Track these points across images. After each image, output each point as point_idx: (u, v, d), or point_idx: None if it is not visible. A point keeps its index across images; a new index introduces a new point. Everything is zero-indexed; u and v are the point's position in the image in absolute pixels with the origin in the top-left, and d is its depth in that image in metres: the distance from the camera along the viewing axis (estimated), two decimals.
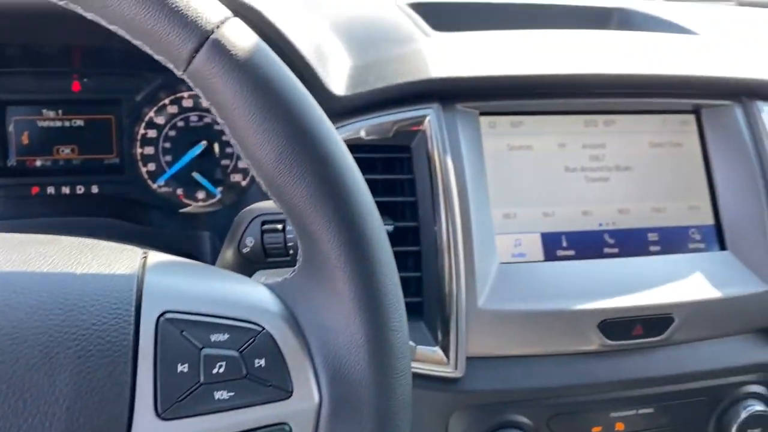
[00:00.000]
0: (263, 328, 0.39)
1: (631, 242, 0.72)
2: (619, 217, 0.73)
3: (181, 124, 0.86)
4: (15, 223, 0.78)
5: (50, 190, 0.83)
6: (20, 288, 0.37)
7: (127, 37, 0.38)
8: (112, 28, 0.38)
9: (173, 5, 0.37)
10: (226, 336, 0.38)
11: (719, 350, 0.72)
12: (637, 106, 0.75)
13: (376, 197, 0.68)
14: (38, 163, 0.84)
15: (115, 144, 0.86)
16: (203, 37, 0.37)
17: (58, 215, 0.80)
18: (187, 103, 0.86)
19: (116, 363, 0.36)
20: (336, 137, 0.40)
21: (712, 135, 0.77)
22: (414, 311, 0.68)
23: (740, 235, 0.75)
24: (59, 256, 0.40)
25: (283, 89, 0.38)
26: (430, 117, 0.69)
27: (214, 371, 0.37)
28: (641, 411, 0.71)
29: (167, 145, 0.86)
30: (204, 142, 0.85)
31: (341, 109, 0.69)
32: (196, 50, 0.37)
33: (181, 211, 0.87)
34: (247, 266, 0.54)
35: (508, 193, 0.71)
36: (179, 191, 0.87)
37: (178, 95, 0.85)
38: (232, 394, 0.37)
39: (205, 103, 0.39)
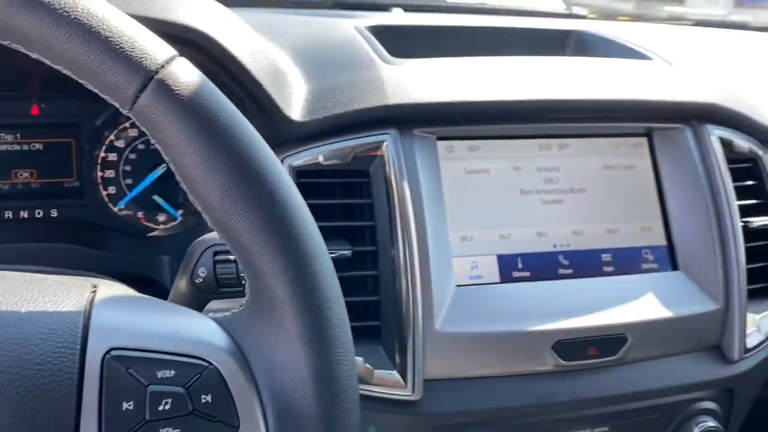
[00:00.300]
0: (210, 364, 0.39)
1: (585, 263, 0.74)
2: (573, 239, 0.75)
3: (141, 147, 0.86)
4: None
5: (8, 214, 0.83)
6: None
7: (73, 76, 0.38)
8: (56, 67, 0.38)
9: (116, 46, 0.37)
10: (173, 372, 0.38)
11: (672, 368, 0.74)
12: (590, 129, 0.77)
13: (335, 222, 0.70)
14: None
15: (75, 167, 0.85)
16: (147, 78, 0.38)
17: (16, 241, 0.79)
18: None
19: (60, 403, 0.36)
20: (281, 173, 0.40)
21: (664, 157, 0.79)
22: (372, 335, 0.69)
23: (691, 255, 0.77)
24: (4, 293, 0.40)
25: (228, 127, 0.39)
26: (388, 142, 0.70)
27: (160, 408, 0.37)
28: (597, 430, 0.72)
29: (128, 168, 0.86)
30: (164, 165, 0.85)
31: (299, 135, 0.70)
32: (140, 90, 0.38)
33: (145, 234, 0.86)
34: (200, 296, 0.54)
35: (465, 216, 0.72)
36: (140, 214, 0.86)
37: None
38: (177, 431, 0.37)
39: (152, 141, 0.40)
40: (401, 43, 0.85)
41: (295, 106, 0.69)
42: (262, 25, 0.80)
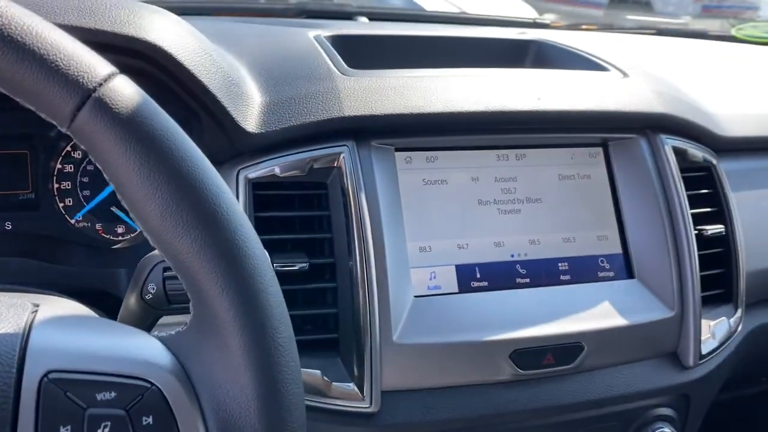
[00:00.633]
0: (152, 384, 0.39)
1: (542, 272, 0.75)
2: (530, 248, 0.75)
3: None
4: None
5: None
6: None
7: (8, 94, 0.38)
8: None
9: (52, 64, 0.37)
10: (113, 394, 0.38)
11: (629, 375, 0.75)
12: (547, 140, 0.78)
13: (292, 234, 0.70)
14: None
15: (31, 179, 0.84)
16: (85, 96, 0.37)
17: None
18: None
19: None
20: (223, 192, 0.40)
21: (619, 167, 0.80)
22: (330, 347, 0.69)
23: (647, 263, 0.78)
24: None
25: (168, 145, 0.39)
26: (345, 154, 0.70)
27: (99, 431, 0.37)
28: None
29: (85, 179, 0.85)
30: None
31: (255, 147, 0.70)
32: (78, 108, 0.37)
33: (103, 247, 0.85)
34: (151, 312, 0.54)
35: (423, 227, 0.73)
36: (98, 226, 0.85)
37: None
38: None
39: (93, 160, 0.39)
40: (361, 53, 0.85)
41: (251, 117, 0.69)
42: (219, 34, 0.80)
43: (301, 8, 1.16)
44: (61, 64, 0.37)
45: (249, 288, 0.39)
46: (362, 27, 1.11)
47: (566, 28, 1.31)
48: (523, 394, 0.71)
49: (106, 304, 0.78)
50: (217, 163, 0.72)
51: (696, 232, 0.78)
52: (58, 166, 0.84)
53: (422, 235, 0.72)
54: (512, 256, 0.74)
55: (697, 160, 0.83)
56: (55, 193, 0.84)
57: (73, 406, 0.37)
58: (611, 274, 0.77)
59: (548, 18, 1.40)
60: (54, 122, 0.38)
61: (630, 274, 0.78)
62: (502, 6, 1.49)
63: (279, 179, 0.69)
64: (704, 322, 0.79)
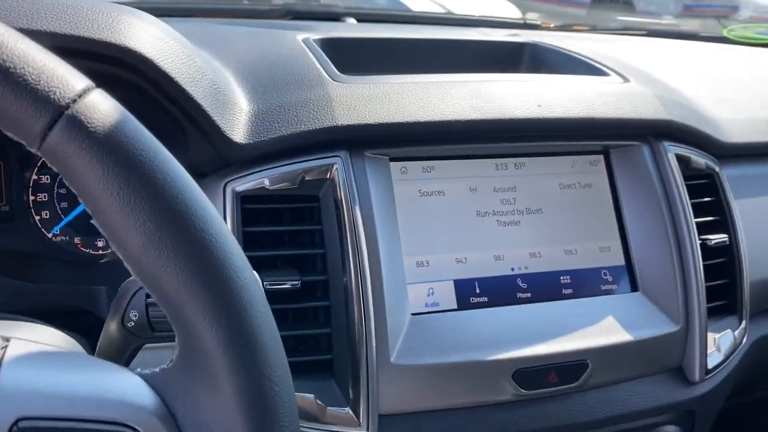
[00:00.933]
0: (134, 429, 0.35)
1: (543, 286, 0.72)
2: (531, 261, 0.72)
3: None
4: None
5: None
6: None
7: None
8: None
9: (19, 78, 0.33)
10: None
11: (633, 393, 0.72)
12: (546, 148, 0.75)
13: (283, 250, 0.67)
14: None
15: (5, 191, 0.79)
16: (57, 113, 0.34)
17: None
18: None
19: None
20: (211, 215, 0.36)
21: (621, 175, 0.77)
22: (324, 369, 0.65)
23: (650, 275, 0.75)
24: None
25: (150, 167, 0.35)
26: (338, 165, 0.66)
27: None
28: None
29: (62, 190, 0.80)
30: None
31: (243, 158, 0.66)
32: (50, 127, 0.34)
33: (83, 262, 0.81)
34: (133, 340, 0.50)
35: (420, 241, 0.69)
36: (77, 240, 0.81)
37: None
38: None
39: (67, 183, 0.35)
40: (352, 57, 0.82)
41: (239, 127, 0.65)
42: (204, 37, 0.76)
43: (288, 9, 1.13)
44: (29, 78, 0.33)
45: (241, 322, 0.36)
46: (351, 29, 1.07)
47: (556, 29, 1.29)
48: (526, 415, 0.68)
49: (86, 324, 0.74)
50: (203, 175, 0.68)
51: (700, 241, 0.76)
52: (34, 176, 0.80)
53: (419, 249, 0.69)
54: (512, 269, 0.71)
55: (700, 167, 0.81)
56: (31, 206, 0.80)
57: None
58: (614, 286, 0.74)
59: (536, 18, 1.38)
60: (23, 142, 0.35)
61: (633, 287, 0.75)
62: (486, 5, 1.46)
63: (268, 192, 0.65)
64: (709, 335, 0.76)
